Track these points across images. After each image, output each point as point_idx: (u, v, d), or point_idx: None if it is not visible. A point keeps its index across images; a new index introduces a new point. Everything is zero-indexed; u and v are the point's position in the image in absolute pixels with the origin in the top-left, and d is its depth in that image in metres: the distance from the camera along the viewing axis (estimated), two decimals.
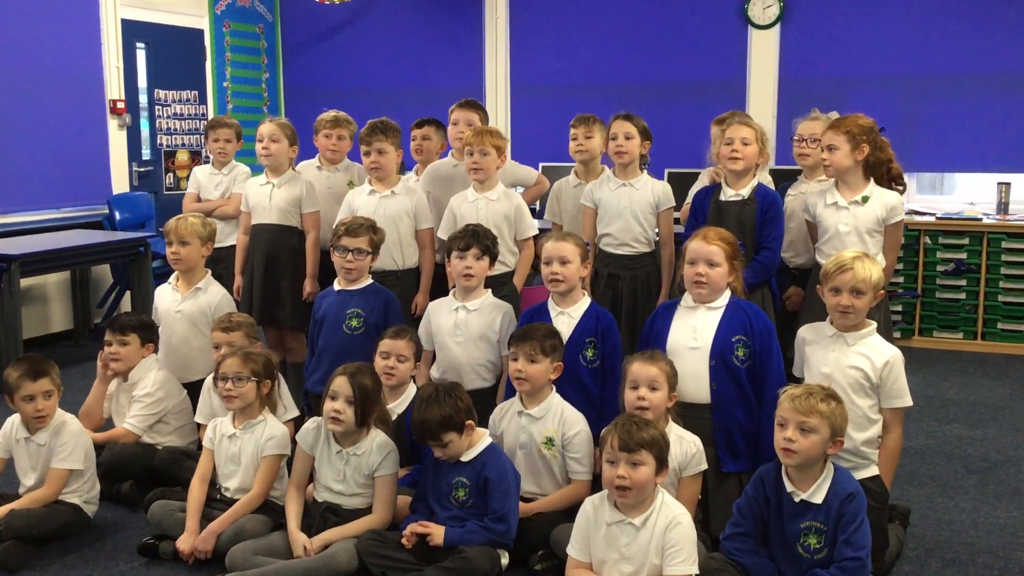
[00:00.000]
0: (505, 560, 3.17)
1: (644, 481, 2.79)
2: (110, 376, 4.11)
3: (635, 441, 2.78)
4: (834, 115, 4.35)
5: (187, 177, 5.51)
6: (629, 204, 4.26)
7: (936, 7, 6.73)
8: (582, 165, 4.61)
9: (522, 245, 4.31)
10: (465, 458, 3.23)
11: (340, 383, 3.32)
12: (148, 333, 4.12)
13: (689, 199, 4.32)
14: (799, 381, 3.25)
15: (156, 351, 4.17)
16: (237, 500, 3.44)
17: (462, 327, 3.80)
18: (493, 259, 3.85)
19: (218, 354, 3.80)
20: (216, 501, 3.49)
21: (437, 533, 3.16)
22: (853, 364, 3.22)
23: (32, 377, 3.52)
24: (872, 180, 3.92)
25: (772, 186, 4.44)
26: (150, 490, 3.68)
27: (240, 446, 3.51)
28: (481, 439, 3.27)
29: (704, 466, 3.24)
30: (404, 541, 3.17)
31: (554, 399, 3.45)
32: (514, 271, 4.32)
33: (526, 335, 3.41)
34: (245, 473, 3.49)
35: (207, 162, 5.71)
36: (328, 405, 3.33)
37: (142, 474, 3.86)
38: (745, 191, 4.01)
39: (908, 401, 3.24)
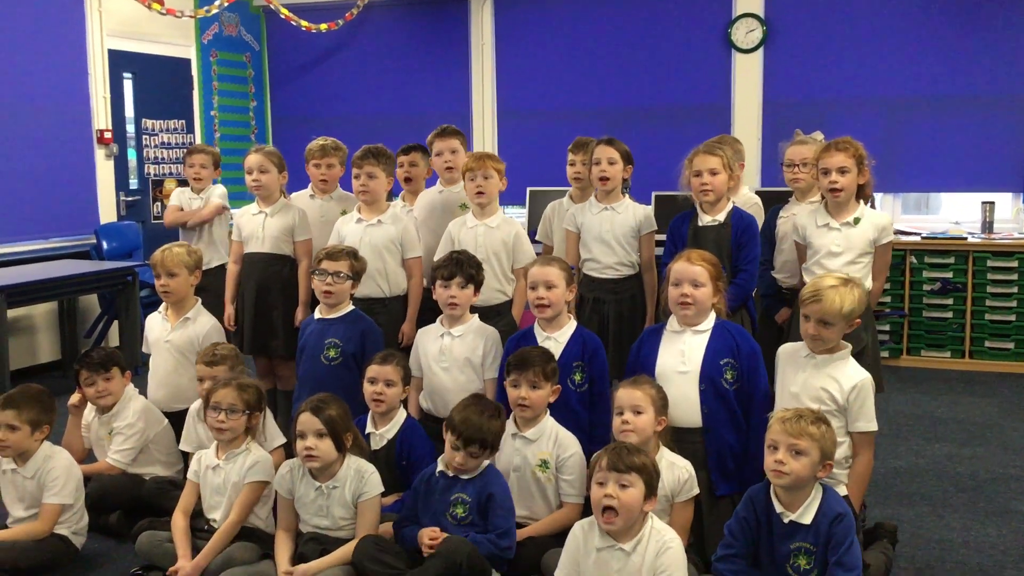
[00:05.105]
0: None
1: (631, 503, 2.77)
2: (94, 408, 4.07)
3: (625, 463, 2.78)
4: (818, 135, 4.38)
5: None
6: (611, 228, 4.24)
7: (917, 30, 6.82)
8: (579, 190, 4.63)
9: (518, 274, 4.23)
10: (468, 476, 3.26)
11: (305, 420, 3.30)
12: (124, 362, 4.09)
13: None
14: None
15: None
16: None
17: (447, 353, 3.80)
18: (478, 286, 3.83)
19: (202, 387, 3.76)
20: (203, 532, 3.46)
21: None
22: (821, 385, 3.22)
23: None
24: (862, 202, 3.95)
25: (760, 201, 4.45)
26: (137, 521, 3.65)
27: (224, 476, 3.48)
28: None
29: (696, 491, 3.23)
30: (428, 547, 3.13)
31: (548, 421, 3.45)
32: (511, 300, 4.26)
33: (525, 362, 3.40)
34: (229, 503, 3.45)
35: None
36: (299, 444, 3.30)
37: (129, 505, 3.83)
38: (721, 216, 4.02)
39: (874, 426, 3.22)
